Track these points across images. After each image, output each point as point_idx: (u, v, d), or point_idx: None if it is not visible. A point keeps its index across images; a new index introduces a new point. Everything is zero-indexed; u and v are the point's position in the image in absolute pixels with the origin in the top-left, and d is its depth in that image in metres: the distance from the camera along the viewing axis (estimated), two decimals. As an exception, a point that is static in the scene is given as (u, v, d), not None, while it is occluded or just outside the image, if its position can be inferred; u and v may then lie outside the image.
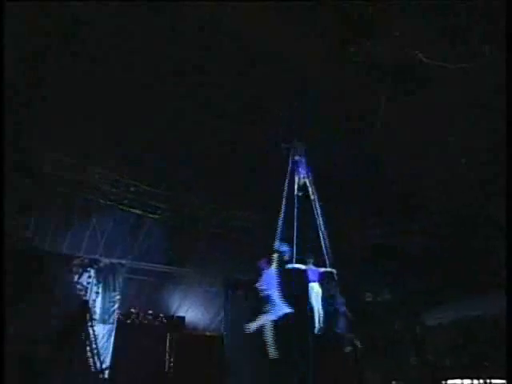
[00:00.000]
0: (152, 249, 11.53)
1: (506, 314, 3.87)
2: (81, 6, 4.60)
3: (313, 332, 7.16)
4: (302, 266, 7.36)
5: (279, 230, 6.88)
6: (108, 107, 6.28)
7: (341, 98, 6.45)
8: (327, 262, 7.24)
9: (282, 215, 6.99)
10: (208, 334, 15.04)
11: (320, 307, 7.10)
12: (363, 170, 8.02)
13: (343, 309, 7.44)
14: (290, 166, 7.22)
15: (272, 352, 6.33)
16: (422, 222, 9.78)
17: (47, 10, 4.50)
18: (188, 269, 12.78)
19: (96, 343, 10.11)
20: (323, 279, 7.32)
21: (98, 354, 10.04)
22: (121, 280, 11.37)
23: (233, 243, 11.25)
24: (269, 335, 6.37)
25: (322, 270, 7.32)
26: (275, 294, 6.33)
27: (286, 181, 7.16)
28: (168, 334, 14.40)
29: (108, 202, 9.61)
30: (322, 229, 7.12)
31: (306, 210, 7.11)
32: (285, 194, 7.11)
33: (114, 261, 11.34)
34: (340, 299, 7.45)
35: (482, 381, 9.55)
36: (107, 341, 10.54)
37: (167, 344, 14.35)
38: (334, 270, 7.26)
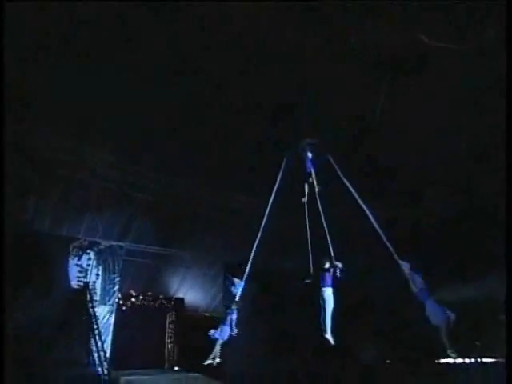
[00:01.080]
0: (150, 231, 11.62)
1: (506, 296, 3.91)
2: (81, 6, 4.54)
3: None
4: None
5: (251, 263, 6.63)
6: (106, 91, 6.25)
7: (341, 89, 6.40)
8: (333, 258, 6.75)
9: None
10: (207, 314, 15.33)
11: (329, 316, 6.51)
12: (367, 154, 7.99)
13: (428, 299, 6.13)
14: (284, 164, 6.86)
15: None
16: (430, 203, 9.85)
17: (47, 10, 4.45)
18: (186, 251, 12.93)
19: (97, 324, 10.29)
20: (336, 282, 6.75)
21: (100, 335, 10.23)
22: (120, 262, 11.50)
23: (231, 227, 11.34)
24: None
25: (331, 269, 6.73)
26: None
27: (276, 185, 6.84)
28: (168, 315, 14.73)
29: (106, 185, 9.62)
30: (327, 225, 6.67)
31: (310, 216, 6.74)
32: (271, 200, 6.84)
33: (113, 243, 11.44)
34: (423, 289, 6.32)
35: (473, 360, 9.89)
36: (107, 321, 10.74)
37: (167, 325, 14.69)
38: (338, 264, 6.70)
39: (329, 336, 6.32)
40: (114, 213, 10.55)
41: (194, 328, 14.59)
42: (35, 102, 6.17)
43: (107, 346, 10.30)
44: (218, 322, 13.64)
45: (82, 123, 7.10)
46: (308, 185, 6.96)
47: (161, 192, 10.32)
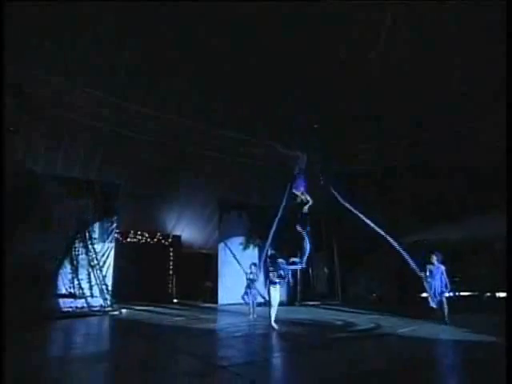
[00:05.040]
0: (146, 170, 11.65)
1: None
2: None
3: None
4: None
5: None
6: (95, 26, 5.88)
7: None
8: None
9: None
10: (204, 251, 15.96)
11: (274, 309, 6.60)
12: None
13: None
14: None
15: None
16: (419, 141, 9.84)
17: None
18: (182, 191, 13.09)
19: (97, 259, 10.68)
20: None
21: (100, 269, 10.65)
22: (117, 201, 11.63)
23: (225, 167, 11.34)
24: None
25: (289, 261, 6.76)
26: None
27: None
28: (166, 252, 15.31)
29: (97, 124, 9.38)
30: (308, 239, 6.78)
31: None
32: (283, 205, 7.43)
33: (109, 182, 11.51)
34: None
35: (451, 293, 10.64)
36: (107, 258, 11.11)
37: (165, 260, 15.33)
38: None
39: (274, 325, 6.46)
40: (107, 152, 10.47)
41: (191, 264, 15.31)
42: (24, 39, 5.82)
43: (108, 280, 10.76)
44: (213, 258, 14.19)
45: (70, 60, 6.76)
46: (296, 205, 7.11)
47: (152, 130, 10.10)
